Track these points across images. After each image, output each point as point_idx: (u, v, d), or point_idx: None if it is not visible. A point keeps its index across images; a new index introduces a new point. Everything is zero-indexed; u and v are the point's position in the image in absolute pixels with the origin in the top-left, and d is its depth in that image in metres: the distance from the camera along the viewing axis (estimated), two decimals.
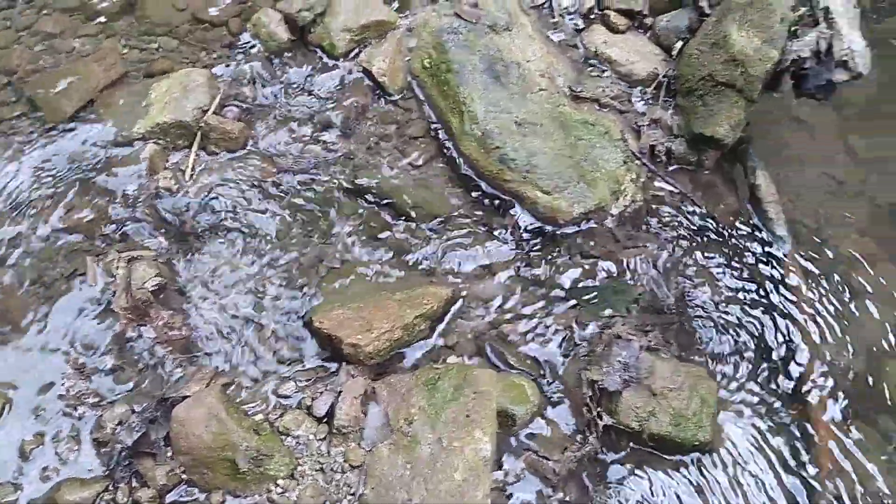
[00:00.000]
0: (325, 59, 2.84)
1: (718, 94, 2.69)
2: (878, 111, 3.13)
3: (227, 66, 2.76)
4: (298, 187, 2.59)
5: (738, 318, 2.52)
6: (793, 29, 2.67)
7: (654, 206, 2.73)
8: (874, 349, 2.51)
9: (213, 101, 2.66)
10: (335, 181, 2.62)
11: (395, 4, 2.94)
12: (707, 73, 2.71)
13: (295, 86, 2.78)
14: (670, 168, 2.84)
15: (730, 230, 2.71)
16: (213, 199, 2.49)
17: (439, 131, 2.75)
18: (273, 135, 2.67)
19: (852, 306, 2.61)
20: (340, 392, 2.08)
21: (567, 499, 2.13)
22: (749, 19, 2.63)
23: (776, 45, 2.59)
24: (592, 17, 3.08)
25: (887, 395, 2.42)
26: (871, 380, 2.46)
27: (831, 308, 2.59)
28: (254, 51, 2.79)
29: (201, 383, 2.12)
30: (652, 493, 2.17)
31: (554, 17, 3.07)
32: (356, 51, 2.86)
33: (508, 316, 2.41)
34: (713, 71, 2.69)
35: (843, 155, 3.07)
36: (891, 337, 2.56)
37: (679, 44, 2.92)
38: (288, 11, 2.81)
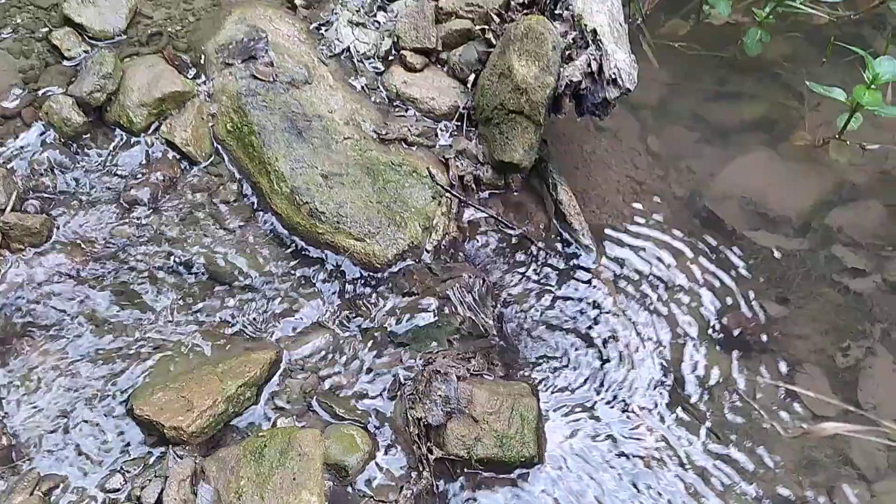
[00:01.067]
0: (126, 137, 2.83)
1: (511, 122, 2.84)
2: (668, 110, 3.38)
3: (22, 159, 2.70)
4: (112, 272, 2.57)
5: (554, 330, 2.67)
6: (567, 54, 2.85)
7: (468, 235, 2.86)
8: (683, 341, 2.71)
9: (10, 198, 2.61)
10: (149, 260, 2.61)
11: (192, 72, 2.95)
12: (499, 103, 2.86)
13: (97, 168, 2.76)
14: (482, 195, 2.98)
15: (541, 246, 2.87)
16: (19, 298, 2.44)
17: (251, 193, 2.79)
18: (79, 222, 2.64)
19: (660, 301, 2.81)
20: (167, 478, 2.09)
21: None
22: (526, 49, 2.80)
23: (551, 71, 2.76)
24: (391, 59, 3.18)
25: (697, 384, 2.62)
26: (683, 370, 2.65)
27: (641, 307, 2.78)
28: (50, 139, 2.75)
29: (24, 493, 2.08)
30: None
31: (354, 64, 3.15)
32: (156, 124, 2.85)
33: (335, 368, 2.47)
34: (503, 100, 2.84)
35: (642, 156, 3.29)
36: (698, 327, 2.77)
37: (472, 76, 3.06)
38: (79, 94, 2.78)
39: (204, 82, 2.95)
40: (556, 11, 2.98)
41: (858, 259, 2.92)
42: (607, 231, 3.01)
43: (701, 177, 3.21)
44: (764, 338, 2.75)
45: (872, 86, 2.91)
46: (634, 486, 2.38)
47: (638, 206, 3.11)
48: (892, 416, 2.57)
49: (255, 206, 2.76)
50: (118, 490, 2.13)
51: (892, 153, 3.18)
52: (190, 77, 2.95)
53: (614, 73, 2.72)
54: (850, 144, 3.14)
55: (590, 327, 2.69)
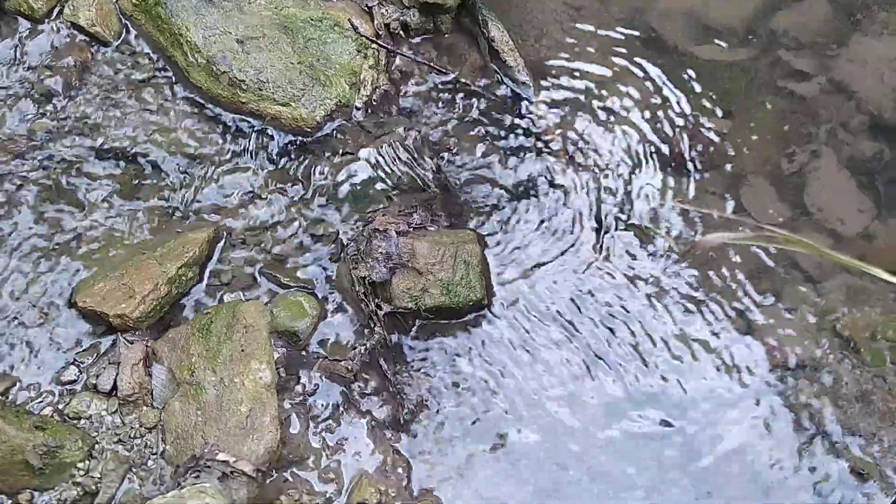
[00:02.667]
0: (30, 26, 2.67)
1: None
2: None
3: None
4: (38, 167, 2.51)
5: (495, 171, 2.64)
6: None
7: (401, 86, 2.76)
8: (628, 166, 2.68)
9: None
10: (75, 151, 2.54)
11: None
12: None
13: (6, 62, 2.63)
14: (411, 41, 2.85)
15: (477, 88, 2.78)
16: None
17: (168, 69, 2.67)
18: None
19: (604, 128, 2.76)
20: (120, 363, 2.13)
21: (367, 389, 2.29)
22: None
23: None
24: None
25: (643, 209, 2.61)
26: (629, 196, 2.64)
27: (584, 137, 2.73)
28: None
29: None
30: (445, 356, 2.34)
31: None
32: (59, 8, 2.69)
33: (276, 237, 2.46)
34: None
35: None
36: (644, 145, 2.73)
37: None
38: None
39: None
40: None
41: (803, 61, 2.84)
42: (547, 63, 2.91)
43: None
44: (711, 152, 2.71)
45: None
46: (579, 309, 2.43)
47: (577, 33, 2.99)
48: (836, 216, 2.58)
49: (174, 81, 2.65)
50: (74, 381, 2.18)
51: None
52: None
53: None
54: None
55: (531, 165, 2.65)
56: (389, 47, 2.75)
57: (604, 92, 2.84)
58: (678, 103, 2.79)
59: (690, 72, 2.85)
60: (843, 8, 2.91)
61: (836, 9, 2.92)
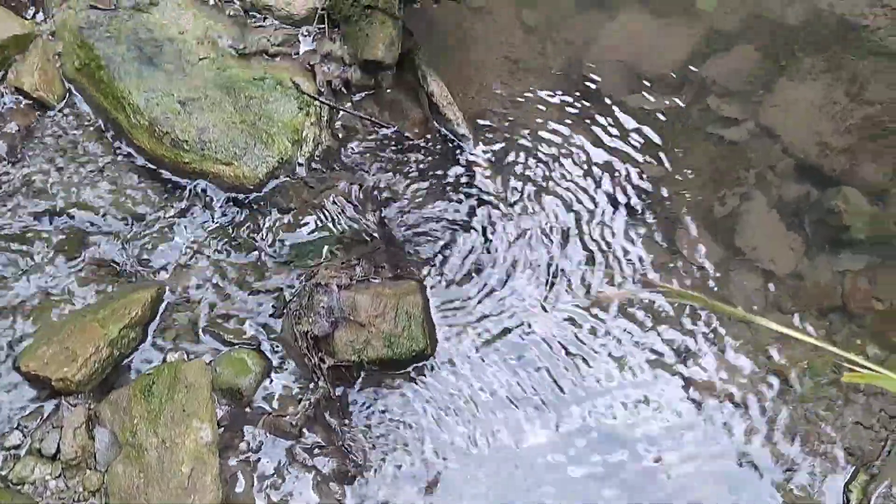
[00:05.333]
0: None
1: (368, 18, 2.77)
2: None
3: None
4: None
5: (437, 221, 2.70)
6: None
7: (344, 141, 2.83)
8: (567, 216, 2.75)
9: None
10: (21, 213, 2.56)
11: (31, 11, 2.80)
12: None
13: None
14: (354, 97, 2.93)
15: (419, 141, 2.85)
16: None
17: (111, 131, 2.71)
18: None
19: (544, 178, 2.84)
20: (63, 427, 2.13)
21: (313, 443, 2.30)
22: None
23: None
24: None
25: (580, 258, 2.68)
26: (567, 246, 2.71)
27: (524, 187, 2.81)
28: None
29: None
30: (388, 408, 2.37)
31: None
32: (2, 73, 2.73)
33: (220, 295, 2.49)
34: None
35: (519, 32, 3.23)
36: (581, 192, 2.81)
37: None
38: None
39: (44, 20, 2.81)
40: None
41: (732, 107, 2.95)
42: (488, 114, 3.00)
43: (578, 46, 3.17)
44: (645, 197, 2.79)
45: None
46: (521, 355, 2.47)
47: (517, 84, 3.09)
48: (768, 256, 2.67)
49: (118, 142, 2.69)
50: (19, 446, 2.17)
51: None
52: (29, 17, 2.81)
53: None
54: None
55: (472, 214, 2.71)
56: (332, 104, 2.82)
57: (542, 142, 2.93)
58: (613, 151, 2.89)
59: (625, 119, 2.95)
60: (770, 54, 3.05)
61: (762, 55, 3.06)
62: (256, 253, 2.55)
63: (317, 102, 2.80)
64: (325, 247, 2.55)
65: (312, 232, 2.59)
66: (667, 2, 3.18)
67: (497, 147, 2.90)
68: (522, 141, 2.92)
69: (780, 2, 3.12)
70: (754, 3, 3.12)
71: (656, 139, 2.91)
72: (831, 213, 2.69)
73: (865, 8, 3.07)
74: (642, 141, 2.91)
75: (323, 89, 2.87)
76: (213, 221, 2.60)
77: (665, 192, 2.81)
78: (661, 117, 2.95)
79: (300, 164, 2.69)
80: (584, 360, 2.48)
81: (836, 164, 2.79)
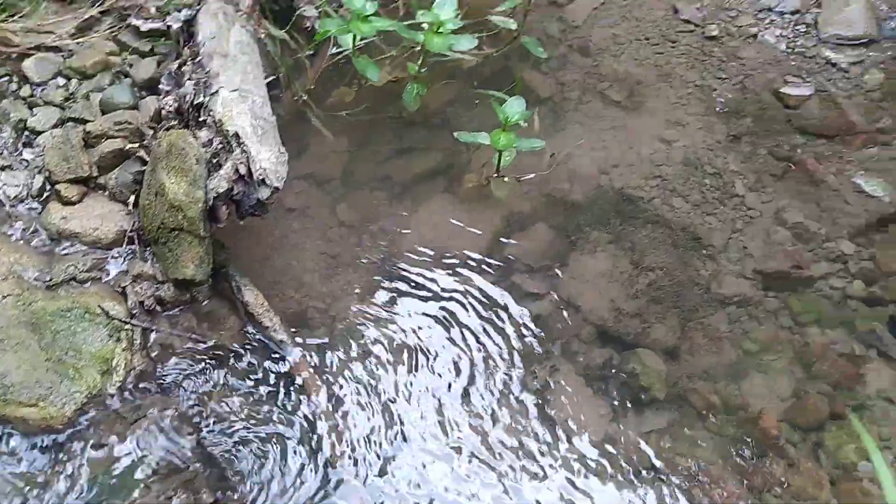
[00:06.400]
0: None
1: (176, 239, 2.84)
2: (353, 177, 3.50)
3: None
4: None
5: (259, 434, 2.70)
6: (216, 161, 2.88)
7: (160, 362, 2.82)
8: (392, 418, 2.82)
9: None
10: None
11: None
12: (160, 222, 2.84)
13: None
14: (170, 313, 2.95)
15: (238, 351, 2.89)
16: None
17: None
18: None
19: (366, 378, 2.91)
20: None
21: None
22: (172, 165, 2.80)
23: (200, 185, 2.78)
24: (46, 195, 3.08)
25: (410, 462, 2.74)
26: (394, 453, 2.75)
27: (346, 389, 2.87)
28: None
29: None
30: None
31: (6, 211, 3.02)
32: None
33: None
34: (164, 219, 2.83)
35: (334, 228, 3.39)
36: (403, 386, 2.90)
37: (132, 197, 3.03)
38: None
39: None
40: (201, 119, 3.00)
41: (534, 283, 3.17)
42: (309, 312, 3.08)
43: (393, 237, 3.35)
44: (466, 381, 2.91)
45: (508, 126, 3.18)
46: None
47: (336, 279, 3.21)
48: (580, 424, 2.82)
49: None
50: None
51: (554, 175, 3.47)
52: None
53: (261, 174, 2.79)
54: (509, 179, 3.40)
55: (294, 426, 2.74)
56: (144, 325, 2.83)
57: (362, 335, 3.03)
58: (431, 337, 3.02)
59: (439, 305, 3.11)
60: (561, 231, 3.33)
61: (555, 232, 3.33)
62: (66, 497, 2.45)
63: (128, 326, 2.80)
64: (139, 482, 2.49)
65: (124, 467, 2.53)
66: (468, 190, 3.44)
67: (318, 346, 2.97)
68: (343, 337, 3.01)
69: (566, 181, 3.43)
70: (544, 185, 3.43)
71: (470, 321, 3.07)
72: (631, 376, 2.89)
73: (640, 181, 3.43)
74: (457, 324, 3.06)
75: (136, 311, 2.89)
76: (19, 468, 2.50)
77: (481, 370, 2.94)
78: (473, 299, 3.12)
79: (111, 395, 2.66)
80: None
81: (631, 327, 3.03)
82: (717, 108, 3.67)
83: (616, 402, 2.89)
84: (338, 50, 3.54)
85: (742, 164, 3.46)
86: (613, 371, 2.97)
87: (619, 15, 4.07)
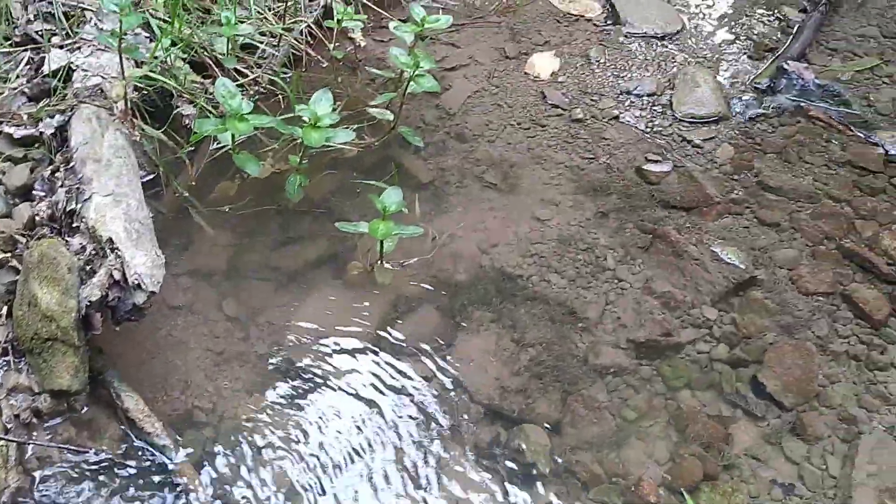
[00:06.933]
0: None
1: (50, 350, 2.79)
2: (238, 270, 3.51)
3: None
4: None
5: None
6: (90, 268, 2.86)
7: (39, 474, 2.73)
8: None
9: None
10: None
11: None
12: (34, 332, 2.78)
13: None
14: (48, 423, 2.86)
15: (121, 460, 2.82)
16: None
17: None
18: None
19: (254, 473, 2.88)
20: None
21: None
22: (44, 275, 2.77)
23: (72, 294, 2.75)
24: None
25: None
26: None
27: (231, 490, 2.83)
28: None
29: None
30: None
31: None
32: None
33: None
34: (37, 329, 2.77)
35: (220, 323, 3.37)
36: (294, 482, 2.88)
37: (5, 307, 2.95)
38: None
39: None
40: (74, 225, 2.98)
41: (422, 366, 3.24)
42: (195, 412, 3.04)
43: (279, 327, 3.37)
44: (362, 475, 2.92)
45: (387, 215, 3.28)
46: None
47: (222, 375, 3.19)
48: None
49: None
50: None
51: (437, 258, 3.58)
52: None
53: (136, 279, 2.78)
54: (393, 265, 3.49)
55: None
56: (18, 440, 2.74)
57: (250, 434, 3.00)
58: (319, 429, 3.03)
59: (327, 396, 3.13)
60: (446, 312, 3.43)
61: (440, 314, 3.43)
62: None
63: (1, 442, 2.71)
64: None
65: None
66: (354, 277, 3.51)
67: (204, 448, 2.93)
68: (230, 435, 2.98)
69: (449, 263, 3.56)
70: (428, 267, 3.53)
71: (359, 410, 3.10)
72: (518, 452, 2.98)
73: (519, 259, 3.58)
74: (347, 414, 3.08)
75: (10, 425, 2.79)
76: None
77: (373, 458, 2.96)
78: (362, 387, 3.17)
79: None
80: None
81: (515, 403, 3.13)
82: (586, 187, 3.90)
83: (505, 480, 2.95)
84: (218, 146, 3.60)
85: (611, 238, 3.67)
86: (501, 449, 3.04)
87: (492, 102, 4.31)
